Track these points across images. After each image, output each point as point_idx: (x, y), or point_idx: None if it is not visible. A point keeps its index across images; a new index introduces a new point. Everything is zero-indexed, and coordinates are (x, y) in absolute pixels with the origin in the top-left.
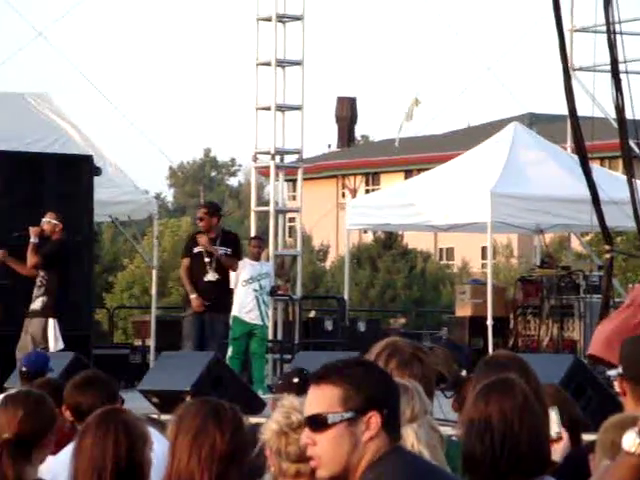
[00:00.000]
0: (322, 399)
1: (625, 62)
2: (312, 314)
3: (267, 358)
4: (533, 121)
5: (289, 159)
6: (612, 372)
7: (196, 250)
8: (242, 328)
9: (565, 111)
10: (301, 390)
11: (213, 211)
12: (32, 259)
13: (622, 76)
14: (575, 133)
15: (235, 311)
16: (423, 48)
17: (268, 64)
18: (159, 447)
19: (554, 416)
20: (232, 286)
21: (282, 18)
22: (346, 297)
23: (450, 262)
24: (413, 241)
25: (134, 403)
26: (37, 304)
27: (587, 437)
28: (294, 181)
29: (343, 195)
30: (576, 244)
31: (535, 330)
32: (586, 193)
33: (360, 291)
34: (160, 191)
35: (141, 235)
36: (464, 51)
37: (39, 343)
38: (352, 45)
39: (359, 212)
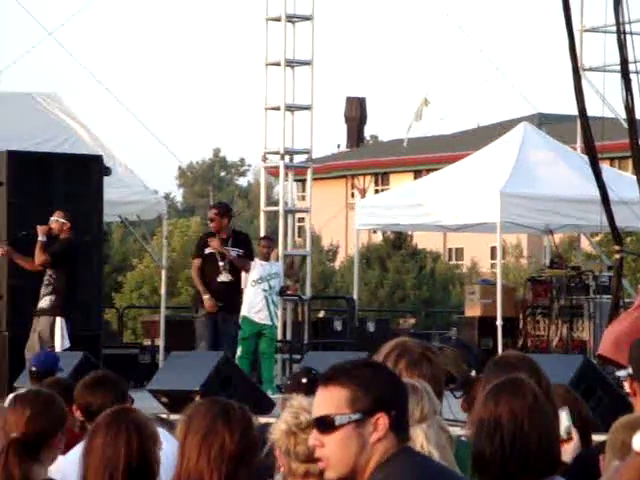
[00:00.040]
0: (330, 400)
1: (635, 62)
2: (321, 314)
3: (276, 358)
4: (542, 121)
5: (298, 159)
6: (622, 373)
7: (207, 251)
8: (251, 328)
9: (575, 111)
10: (310, 390)
11: (224, 212)
12: (40, 257)
13: (632, 76)
14: (585, 133)
15: (244, 311)
16: (432, 48)
17: (277, 64)
18: (168, 447)
19: (565, 416)
20: (243, 287)
21: (291, 18)
22: (355, 297)
23: (459, 262)
24: (422, 241)
25: (143, 403)
26: (45, 302)
27: (597, 438)
28: (303, 181)
29: (352, 195)
30: (586, 244)
31: (545, 330)
32: (596, 193)
33: (369, 291)
34: (169, 191)
35: (150, 235)
36: (473, 51)
37: (46, 341)
38: (361, 45)
39: (368, 212)
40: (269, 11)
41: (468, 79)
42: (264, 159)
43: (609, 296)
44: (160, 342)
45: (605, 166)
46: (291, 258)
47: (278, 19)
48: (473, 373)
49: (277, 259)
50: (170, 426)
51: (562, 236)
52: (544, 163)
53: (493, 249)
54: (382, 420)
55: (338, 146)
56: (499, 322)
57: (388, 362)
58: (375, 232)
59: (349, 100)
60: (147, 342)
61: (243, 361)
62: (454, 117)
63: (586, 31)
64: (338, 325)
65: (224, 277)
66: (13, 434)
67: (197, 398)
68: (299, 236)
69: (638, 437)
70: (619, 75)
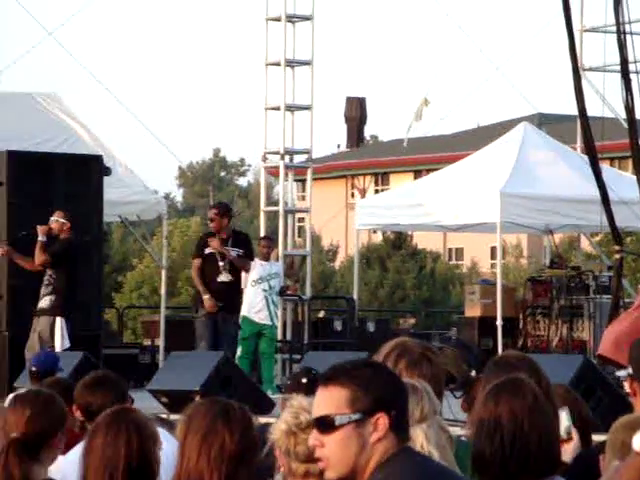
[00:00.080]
0: (329, 400)
1: (635, 62)
2: (321, 314)
3: (276, 358)
4: (542, 121)
5: (298, 159)
6: (621, 373)
7: (207, 251)
8: (251, 328)
9: (575, 111)
10: (310, 390)
11: (224, 212)
12: (40, 257)
13: (632, 76)
14: (585, 133)
15: (244, 311)
16: (432, 48)
17: (277, 64)
18: (168, 447)
19: (565, 416)
20: (243, 286)
21: (291, 18)
22: (355, 297)
23: (459, 262)
24: (422, 241)
25: (143, 403)
26: (45, 302)
27: (597, 438)
28: (303, 181)
29: (352, 195)
30: (586, 244)
31: (544, 330)
32: (596, 193)
33: (369, 291)
34: (169, 191)
35: (150, 235)
36: (473, 51)
37: (46, 341)
38: (361, 45)
39: (368, 212)
40: (269, 11)
41: (468, 79)
42: (264, 159)
43: (609, 296)
44: (160, 342)
45: (605, 166)
46: (291, 258)
47: (278, 19)
48: (473, 373)
49: (277, 259)
50: (170, 426)
51: (562, 236)
52: (544, 163)
53: (493, 249)
54: (382, 420)
55: (338, 146)
56: (499, 322)
57: (388, 362)
58: (375, 232)
59: (349, 100)
60: (147, 342)
61: (243, 361)
62: (454, 117)
63: (586, 31)
64: (338, 325)
65: (224, 277)
66: (13, 434)
67: (197, 398)
68: (299, 236)
69: (638, 437)
70: (619, 75)
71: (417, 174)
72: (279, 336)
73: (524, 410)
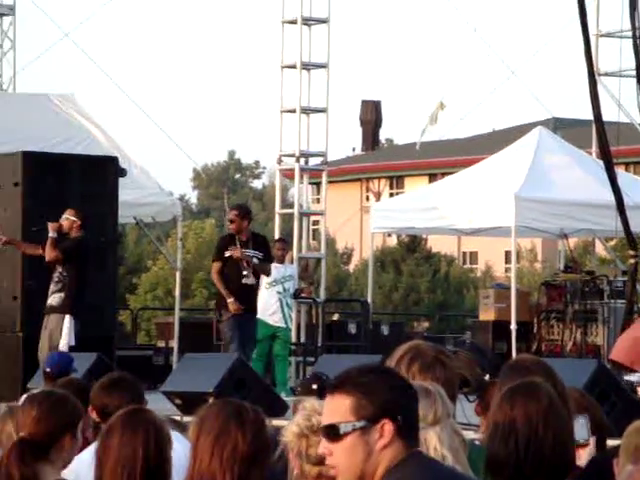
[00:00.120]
0: (335, 409)
1: None
2: (335, 317)
3: (290, 360)
4: (558, 126)
5: (313, 162)
6: (632, 377)
7: (227, 254)
8: (265, 330)
9: (590, 116)
10: (320, 396)
11: (244, 214)
12: (51, 253)
13: None
14: (600, 138)
15: (259, 313)
16: (448, 52)
17: (293, 67)
18: (180, 448)
19: (584, 422)
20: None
21: (307, 21)
22: (369, 300)
23: (474, 266)
24: (437, 245)
25: (157, 404)
26: (55, 300)
27: (611, 442)
28: (318, 184)
29: (367, 198)
30: (600, 249)
31: (559, 335)
32: (611, 198)
33: (384, 294)
34: (184, 193)
35: (165, 237)
36: (489, 55)
37: (56, 340)
38: (377, 48)
39: (383, 215)
40: (285, 14)
41: (484, 83)
42: (279, 162)
43: (623, 301)
44: (174, 344)
45: (620, 171)
46: (306, 261)
47: (294, 22)
48: (487, 377)
49: (292, 262)
50: (182, 428)
51: (577, 240)
52: (559, 167)
53: (507, 253)
54: (387, 427)
55: (353, 149)
56: (513, 326)
57: (401, 365)
58: (390, 235)
59: (364, 103)
60: (161, 344)
61: (257, 363)
62: (469, 121)
63: (602, 36)
64: (352, 328)
65: (247, 280)
66: (20, 434)
67: (211, 400)
68: (314, 239)
69: None
70: (635, 80)
71: (432, 178)
72: (293, 339)
73: (539, 413)
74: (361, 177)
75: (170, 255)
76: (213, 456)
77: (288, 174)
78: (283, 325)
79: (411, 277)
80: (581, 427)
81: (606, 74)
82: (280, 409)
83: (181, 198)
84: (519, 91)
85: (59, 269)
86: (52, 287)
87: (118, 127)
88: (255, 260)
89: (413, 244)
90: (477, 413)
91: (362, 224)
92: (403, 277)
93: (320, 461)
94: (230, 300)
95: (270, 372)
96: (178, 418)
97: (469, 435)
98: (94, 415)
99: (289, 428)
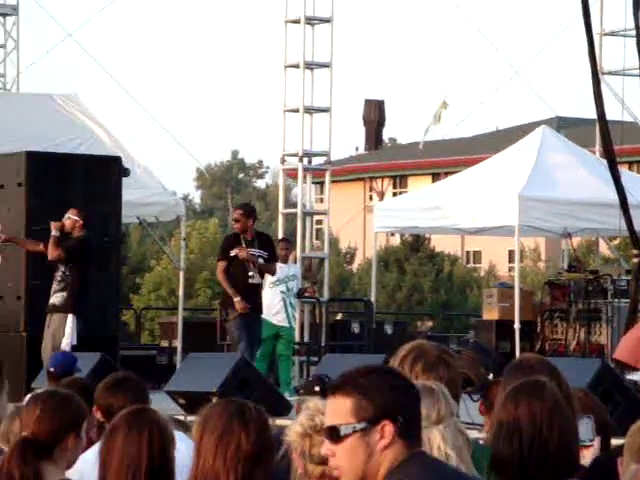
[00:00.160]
0: (336, 411)
1: None
2: (339, 316)
3: (293, 360)
4: (561, 125)
5: (317, 161)
6: (636, 377)
7: (233, 253)
8: (269, 330)
9: (593, 115)
10: (323, 398)
11: (249, 213)
12: (54, 252)
13: None
14: (604, 137)
15: (262, 313)
16: (451, 51)
17: (296, 66)
18: (184, 448)
19: (589, 423)
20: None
21: (311, 20)
22: (373, 300)
23: (477, 265)
24: (440, 244)
25: (160, 404)
26: (57, 299)
27: (615, 441)
28: (321, 183)
29: (370, 198)
30: (604, 248)
31: (562, 334)
32: (614, 197)
33: (387, 294)
34: (187, 193)
35: (168, 236)
36: (492, 54)
37: (59, 339)
38: (380, 48)
39: (387, 215)
40: (288, 13)
41: (487, 82)
42: (282, 161)
43: (627, 300)
44: (178, 343)
45: (624, 170)
46: (309, 260)
47: (297, 21)
48: (490, 376)
49: (295, 261)
50: (185, 428)
51: (580, 240)
52: (563, 167)
53: (511, 252)
54: (388, 428)
55: (356, 149)
56: (517, 325)
57: (405, 365)
58: (393, 235)
59: (368, 102)
60: (165, 343)
61: (260, 363)
62: (473, 120)
63: (605, 35)
64: (356, 327)
65: (254, 279)
66: (23, 433)
67: (214, 400)
68: (317, 238)
69: None
70: (638, 79)
71: (435, 177)
72: (296, 338)
73: (543, 412)
74: (364, 176)
75: (173, 255)
76: (217, 455)
77: (291, 174)
78: (286, 325)
79: (414, 276)
80: (586, 428)
81: (610, 73)
82: (283, 409)
83: (184, 198)
84: (522, 90)
85: (62, 268)
86: (55, 286)
87: (121, 127)
88: (260, 260)
89: (416, 243)
90: (481, 412)
91: (365, 223)
92: (406, 276)
93: (323, 461)
94: (237, 299)
95: (273, 372)
96: (182, 418)
97: (473, 434)
98: (98, 415)
99: (292, 428)
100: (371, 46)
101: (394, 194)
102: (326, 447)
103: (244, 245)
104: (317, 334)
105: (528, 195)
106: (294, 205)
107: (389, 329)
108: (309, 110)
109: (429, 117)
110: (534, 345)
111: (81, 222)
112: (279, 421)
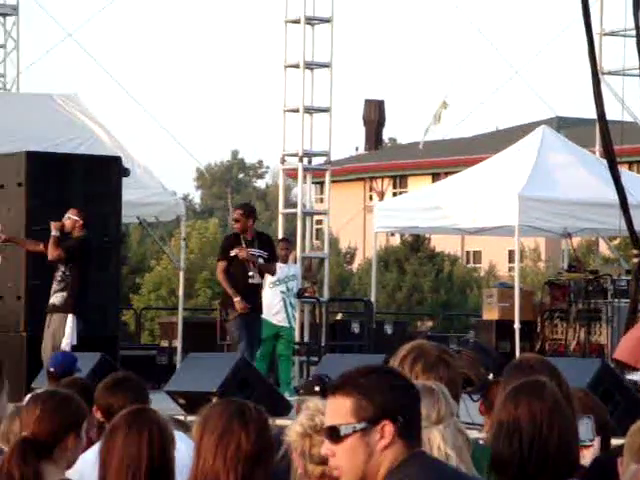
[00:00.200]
0: (336, 411)
1: None
2: (339, 316)
3: (293, 360)
4: (561, 125)
5: (317, 161)
6: (636, 377)
7: (233, 253)
8: (269, 330)
9: (593, 115)
10: (323, 398)
11: (249, 213)
12: (54, 252)
13: None
14: (604, 137)
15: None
16: (451, 51)
17: (296, 66)
18: (184, 448)
19: (589, 423)
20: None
21: (311, 20)
22: (373, 300)
23: (477, 265)
24: (440, 244)
25: (160, 404)
26: (57, 299)
27: (615, 441)
28: (321, 183)
29: (370, 198)
30: (604, 248)
31: (562, 334)
32: (614, 197)
33: (387, 294)
34: (187, 193)
35: (168, 236)
36: (492, 54)
37: (59, 339)
38: (380, 48)
39: (387, 215)
40: (288, 13)
41: (487, 82)
42: (282, 161)
43: (627, 300)
44: (178, 343)
45: (624, 170)
46: (309, 260)
47: (297, 21)
48: (491, 376)
49: (295, 261)
50: (185, 428)
51: (580, 240)
52: (563, 166)
53: (511, 252)
54: (388, 428)
55: (356, 149)
56: (517, 325)
57: (405, 365)
58: (393, 235)
59: (368, 103)
60: (165, 343)
61: (260, 363)
62: (473, 120)
63: (605, 35)
64: (356, 327)
65: (254, 279)
66: (23, 433)
67: (214, 400)
68: (317, 238)
69: None
70: (638, 79)
71: (435, 177)
72: (296, 338)
73: (544, 412)
74: (364, 176)
75: (173, 255)
76: (217, 455)
77: (291, 174)
78: (286, 325)
79: (414, 276)
80: (586, 428)
81: (610, 73)
82: (283, 409)
83: (184, 198)
84: (522, 90)
85: (62, 268)
86: (55, 286)
87: (121, 127)
88: (260, 260)
89: (416, 243)
90: (481, 412)
91: (365, 223)
92: (406, 276)
93: (323, 461)
94: (237, 299)
95: (273, 372)
96: (182, 418)
97: (473, 434)
98: (98, 415)
99: (292, 427)
100: (371, 46)
101: (394, 194)
102: (326, 447)
103: (244, 245)
104: (317, 334)
105: (528, 195)
106: (294, 205)
107: (389, 329)
108: (309, 110)
109: (429, 117)
110: (534, 345)
111: (81, 222)
112: (279, 421)
